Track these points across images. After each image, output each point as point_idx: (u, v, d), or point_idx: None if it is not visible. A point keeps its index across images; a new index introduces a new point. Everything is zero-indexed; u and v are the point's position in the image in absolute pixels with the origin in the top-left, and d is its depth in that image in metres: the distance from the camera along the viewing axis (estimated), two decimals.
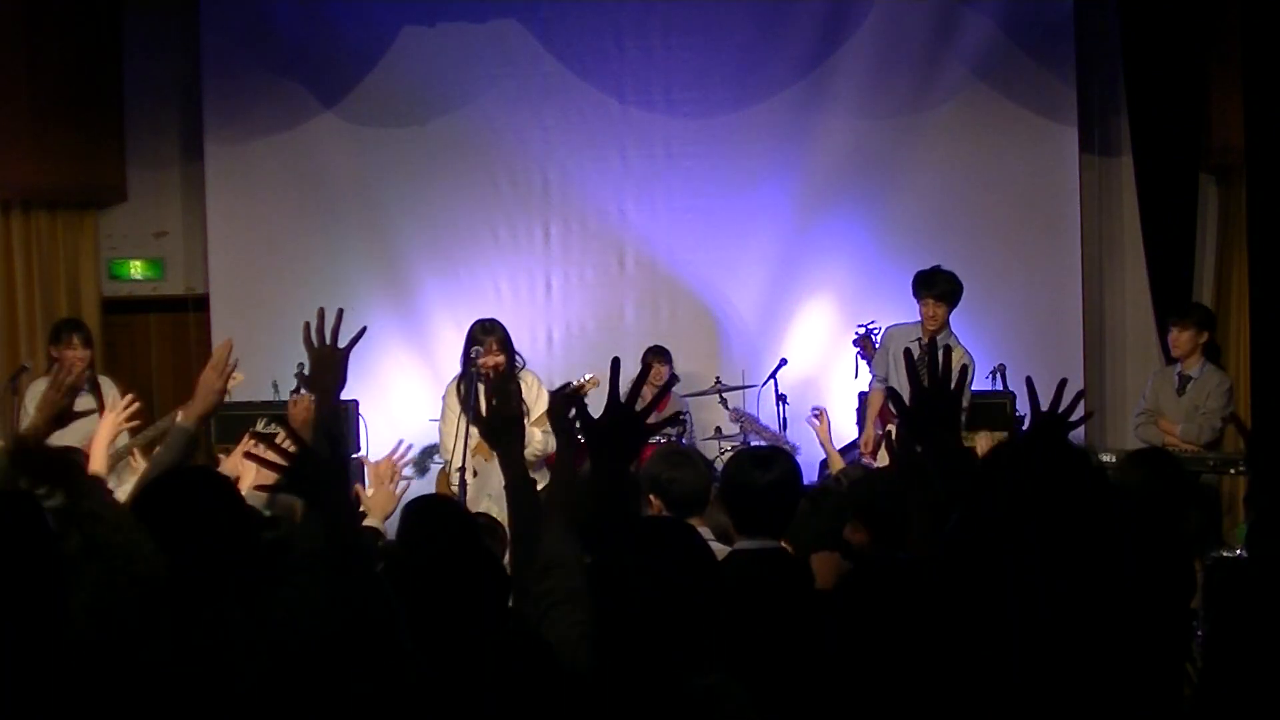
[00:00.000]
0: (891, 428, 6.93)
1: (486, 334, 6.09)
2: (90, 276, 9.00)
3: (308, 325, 2.98)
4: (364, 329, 3.07)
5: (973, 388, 7.79)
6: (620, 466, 2.51)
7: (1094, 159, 8.76)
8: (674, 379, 8.31)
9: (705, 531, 4.11)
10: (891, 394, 2.76)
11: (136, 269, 9.26)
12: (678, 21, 8.76)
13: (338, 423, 2.93)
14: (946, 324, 6.96)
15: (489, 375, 5.98)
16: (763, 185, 8.75)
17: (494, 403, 2.89)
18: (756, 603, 3.09)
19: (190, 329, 9.19)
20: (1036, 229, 8.61)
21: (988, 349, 8.21)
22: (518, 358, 6.19)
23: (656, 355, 8.20)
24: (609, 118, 8.82)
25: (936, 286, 6.93)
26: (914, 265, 8.47)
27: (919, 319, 6.99)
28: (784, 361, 7.82)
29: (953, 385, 2.66)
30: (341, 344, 3.02)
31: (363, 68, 8.85)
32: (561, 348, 8.84)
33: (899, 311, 7.78)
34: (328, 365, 2.95)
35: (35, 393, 6.82)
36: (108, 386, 6.96)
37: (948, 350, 2.64)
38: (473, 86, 8.85)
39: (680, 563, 2.30)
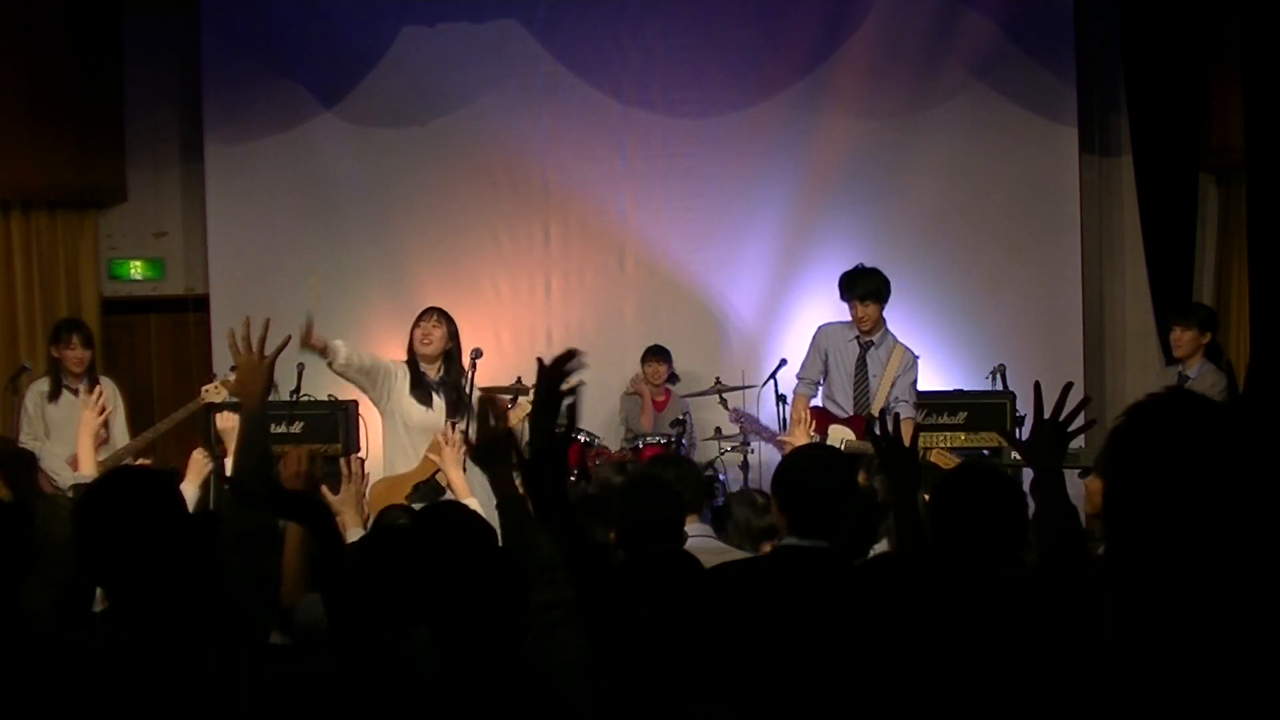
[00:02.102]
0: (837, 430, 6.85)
1: (427, 314, 6.07)
2: (90, 276, 9.00)
3: (232, 333, 3.10)
4: (289, 337, 3.20)
5: (970, 388, 7.87)
6: (554, 497, 2.48)
7: (1094, 159, 8.76)
8: (674, 378, 8.34)
9: (702, 528, 4.15)
10: (1007, 436, 2.89)
11: (136, 269, 9.27)
12: (678, 21, 8.76)
13: (265, 428, 3.03)
14: (882, 323, 6.76)
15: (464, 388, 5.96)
16: (763, 185, 8.74)
17: (482, 425, 2.89)
18: (801, 600, 3.13)
19: (190, 329, 9.19)
20: (1036, 229, 8.61)
21: (988, 349, 8.22)
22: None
23: (656, 355, 8.21)
24: (609, 118, 8.82)
25: (860, 286, 6.66)
26: (914, 265, 8.50)
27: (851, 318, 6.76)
28: (784, 361, 7.80)
29: (1071, 425, 2.80)
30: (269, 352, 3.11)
31: (363, 68, 8.85)
32: (561, 348, 8.74)
33: (898, 312, 7.78)
34: (254, 373, 3.07)
35: (35, 393, 6.84)
36: (108, 387, 6.95)
37: (1068, 386, 2.76)
38: (473, 86, 8.85)
39: (671, 596, 2.31)
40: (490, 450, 2.88)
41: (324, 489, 3.88)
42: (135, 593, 2.44)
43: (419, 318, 6.11)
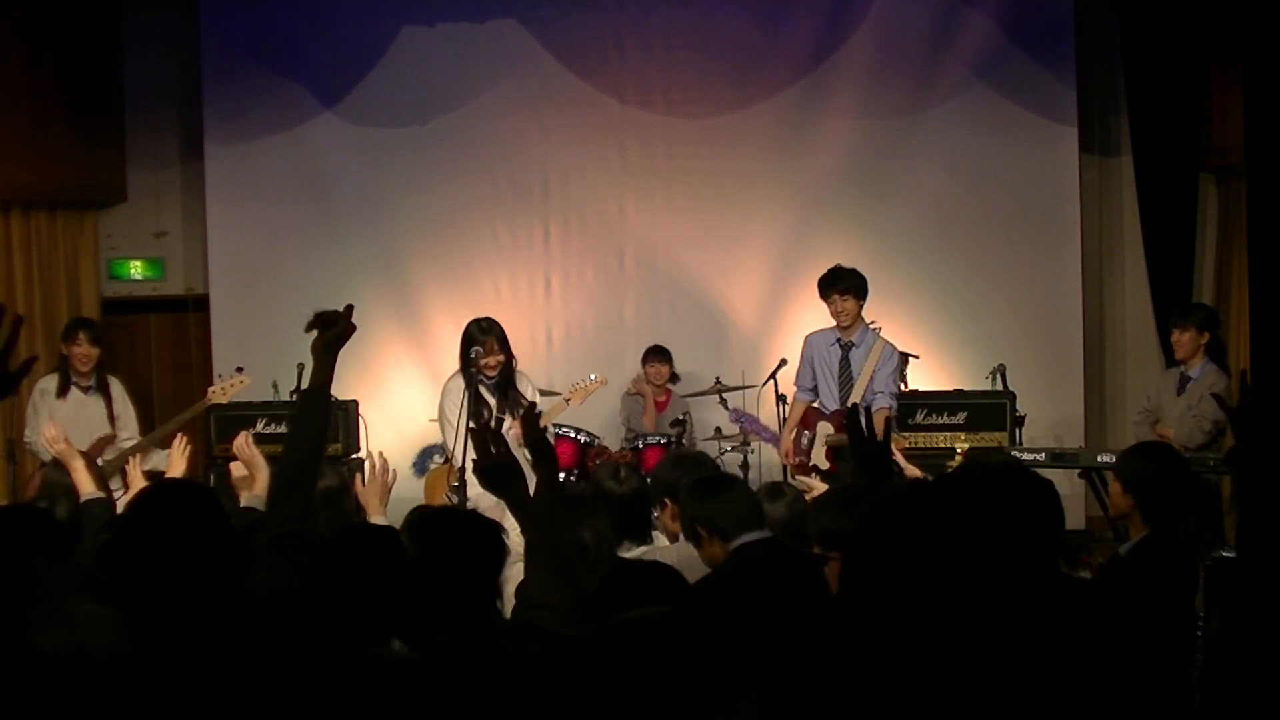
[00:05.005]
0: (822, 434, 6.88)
1: (485, 333, 5.98)
2: (90, 276, 9.00)
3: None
4: (350, 306, 3.09)
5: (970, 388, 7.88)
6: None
7: (1094, 159, 8.76)
8: (674, 378, 8.34)
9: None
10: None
11: (136, 269, 9.27)
12: (678, 21, 8.76)
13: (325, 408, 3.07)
14: (861, 321, 6.82)
15: (488, 379, 5.98)
16: (763, 185, 8.75)
17: (483, 453, 2.87)
18: (768, 597, 3.14)
19: (190, 329, 9.20)
20: (1036, 229, 8.61)
21: (988, 349, 8.21)
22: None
23: (658, 356, 8.21)
24: (609, 118, 8.82)
25: (842, 281, 6.77)
26: (913, 265, 8.50)
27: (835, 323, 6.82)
28: (784, 361, 7.81)
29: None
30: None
31: (363, 68, 8.85)
32: (561, 348, 8.84)
33: (897, 312, 7.80)
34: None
35: (40, 390, 6.84)
36: (116, 387, 6.96)
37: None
38: (473, 86, 8.85)
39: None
40: (497, 477, 2.87)
41: (355, 479, 4.16)
42: (172, 605, 2.38)
43: (471, 342, 5.94)
